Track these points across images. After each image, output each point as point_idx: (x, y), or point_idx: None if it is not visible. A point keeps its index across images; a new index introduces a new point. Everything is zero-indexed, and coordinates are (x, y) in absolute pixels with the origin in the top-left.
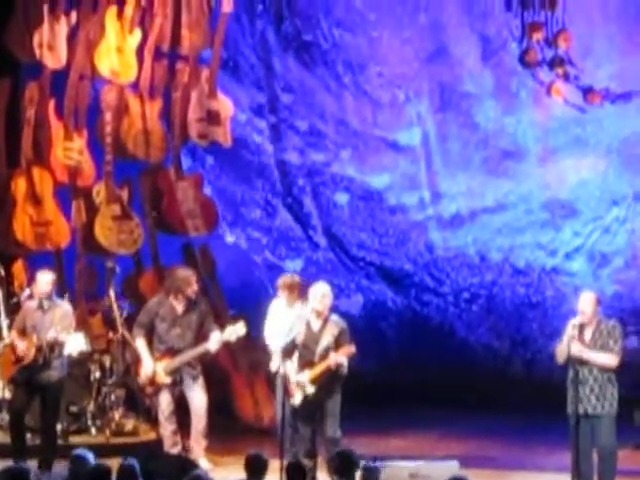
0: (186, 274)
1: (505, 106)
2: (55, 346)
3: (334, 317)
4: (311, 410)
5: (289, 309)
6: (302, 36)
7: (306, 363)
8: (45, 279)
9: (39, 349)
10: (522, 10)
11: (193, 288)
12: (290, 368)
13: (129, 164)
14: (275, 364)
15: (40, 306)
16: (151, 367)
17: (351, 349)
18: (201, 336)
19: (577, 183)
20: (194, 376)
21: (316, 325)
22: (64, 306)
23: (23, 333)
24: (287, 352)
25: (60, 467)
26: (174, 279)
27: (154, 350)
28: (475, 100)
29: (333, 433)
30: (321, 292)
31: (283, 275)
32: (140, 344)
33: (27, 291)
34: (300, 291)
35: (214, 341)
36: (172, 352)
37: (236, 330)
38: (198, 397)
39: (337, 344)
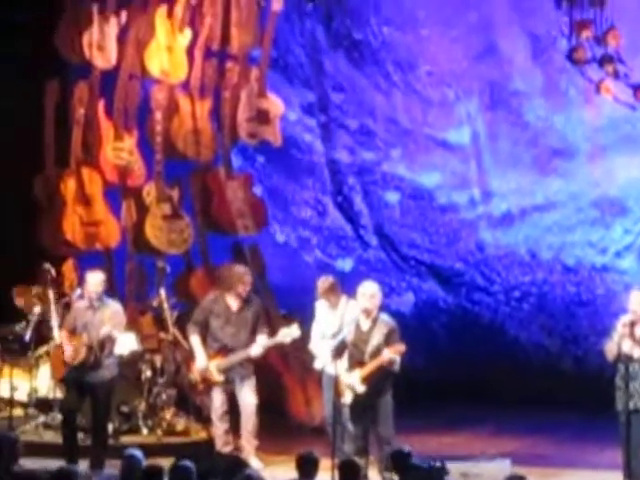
0: (239, 271)
1: (555, 104)
2: (106, 344)
3: (384, 316)
4: (362, 409)
5: (333, 309)
6: (352, 35)
7: (356, 362)
8: (95, 279)
9: (90, 349)
10: (571, 8)
11: (245, 286)
12: (340, 368)
13: (179, 164)
14: (319, 363)
15: (90, 306)
16: (204, 364)
17: (401, 347)
18: (255, 335)
19: (627, 181)
20: (244, 376)
21: (365, 325)
22: (114, 305)
23: (73, 333)
24: (337, 352)
25: (112, 467)
26: (228, 276)
27: (207, 348)
28: (525, 98)
29: (386, 432)
30: (370, 291)
31: (319, 280)
32: (194, 341)
33: (77, 291)
34: (339, 290)
35: (258, 345)
36: (225, 350)
37: (291, 332)
38: (248, 397)
39: (387, 343)
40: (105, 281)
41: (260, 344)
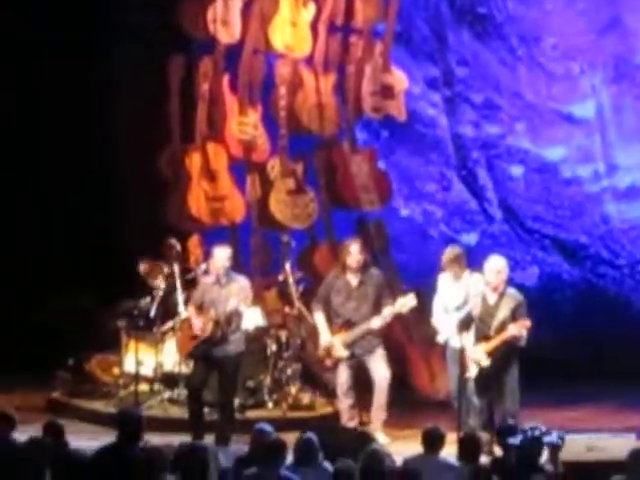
0: (345, 243)
1: None
2: (233, 319)
3: (511, 290)
4: (487, 383)
5: (457, 282)
6: (476, 9)
7: (482, 336)
8: (222, 254)
9: (217, 324)
10: None
11: (354, 257)
12: (466, 341)
13: (303, 138)
14: (442, 336)
15: (217, 281)
16: (328, 340)
17: (526, 322)
18: (377, 309)
19: None
20: (370, 349)
21: (492, 299)
22: (241, 280)
23: (200, 308)
24: (464, 325)
25: (238, 441)
26: (339, 251)
27: (331, 324)
28: None
29: (512, 406)
30: (497, 267)
31: (446, 250)
32: (318, 317)
33: (202, 266)
34: (464, 262)
35: (382, 316)
36: (348, 325)
37: (407, 302)
38: (380, 370)
39: (513, 318)
40: (232, 256)
41: (382, 316)
